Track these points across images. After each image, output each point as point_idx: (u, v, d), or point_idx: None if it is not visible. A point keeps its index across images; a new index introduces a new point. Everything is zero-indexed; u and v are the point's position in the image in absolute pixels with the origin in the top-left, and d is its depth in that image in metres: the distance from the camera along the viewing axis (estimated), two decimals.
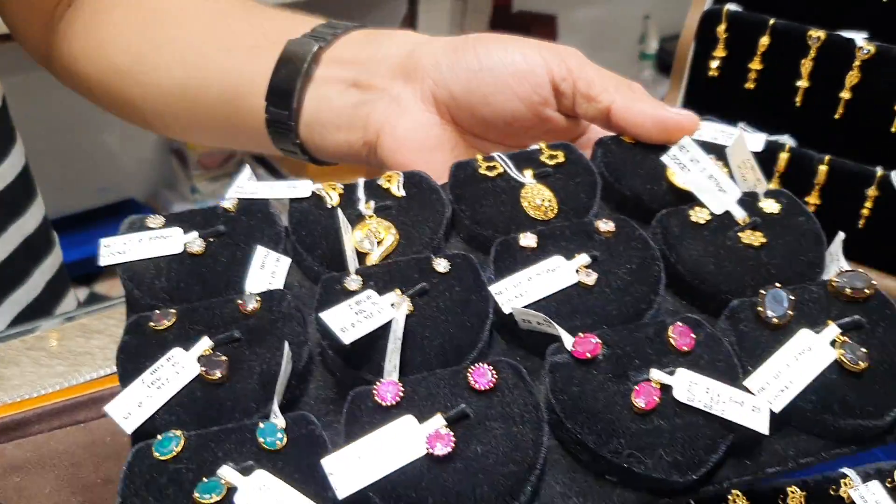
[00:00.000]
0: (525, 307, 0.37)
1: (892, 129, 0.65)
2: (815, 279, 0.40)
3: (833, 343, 0.35)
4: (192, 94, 0.60)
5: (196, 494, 0.30)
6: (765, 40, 0.69)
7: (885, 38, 0.65)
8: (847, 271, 0.38)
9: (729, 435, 0.33)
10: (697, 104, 0.72)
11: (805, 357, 0.35)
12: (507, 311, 0.37)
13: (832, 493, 0.42)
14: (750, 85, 0.71)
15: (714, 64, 0.72)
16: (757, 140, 0.51)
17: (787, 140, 0.68)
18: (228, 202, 0.43)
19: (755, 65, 0.70)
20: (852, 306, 0.37)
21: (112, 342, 0.58)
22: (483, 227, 0.43)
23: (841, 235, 0.41)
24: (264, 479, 0.31)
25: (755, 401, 0.33)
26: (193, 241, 0.41)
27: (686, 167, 0.44)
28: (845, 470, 0.42)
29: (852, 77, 0.65)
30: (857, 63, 0.65)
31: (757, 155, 0.44)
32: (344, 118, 0.54)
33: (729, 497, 0.40)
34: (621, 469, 0.32)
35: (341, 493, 0.30)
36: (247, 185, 0.45)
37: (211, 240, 0.41)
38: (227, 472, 0.31)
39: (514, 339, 0.39)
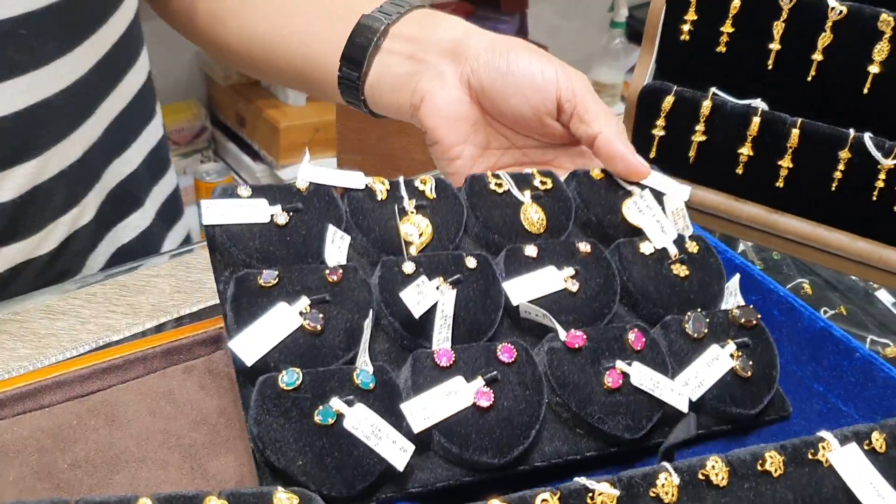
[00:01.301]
0: (529, 302, 0.51)
1: (865, 91, 0.65)
2: (718, 306, 0.56)
3: (731, 356, 0.52)
4: (272, 47, 0.73)
5: (317, 418, 0.42)
6: (736, 3, 0.69)
7: None
8: (742, 306, 0.55)
9: (660, 409, 0.49)
10: (669, 69, 0.74)
11: (713, 364, 0.51)
12: (514, 303, 0.51)
13: (811, 456, 0.44)
14: (721, 49, 0.70)
15: (685, 28, 0.71)
16: (684, 191, 0.63)
17: (760, 104, 0.69)
18: (302, 183, 0.53)
19: (727, 28, 0.70)
20: (743, 331, 0.54)
21: (78, 323, 0.58)
22: (491, 231, 0.56)
23: (737, 276, 0.57)
24: (363, 412, 0.43)
25: (680, 390, 0.49)
26: (279, 214, 0.51)
27: (642, 211, 0.59)
28: (823, 434, 0.44)
29: (824, 38, 0.66)
30: (828, 24, 0.66)
31: (686, 203, 0.60)
32: (398, 83, 0.67)
33: (708, 462, 0.43)
34: (591, 426, 0.47)
35: (416, 429, 0.44)
36: (311, 171, 0.55)
37: (291, 214, 0.52)
38: (336, 403, 0.43)
39: (515, 324, 0.52)
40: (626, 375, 0.49)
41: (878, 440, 0.45)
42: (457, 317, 0.50)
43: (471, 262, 0.52)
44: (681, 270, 0.57)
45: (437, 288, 0.50)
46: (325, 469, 0.42)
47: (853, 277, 0.82)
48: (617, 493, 0.40)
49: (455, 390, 0.45)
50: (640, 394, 0.49)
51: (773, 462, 0.43)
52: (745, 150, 0.69)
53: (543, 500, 0.39)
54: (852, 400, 0.57)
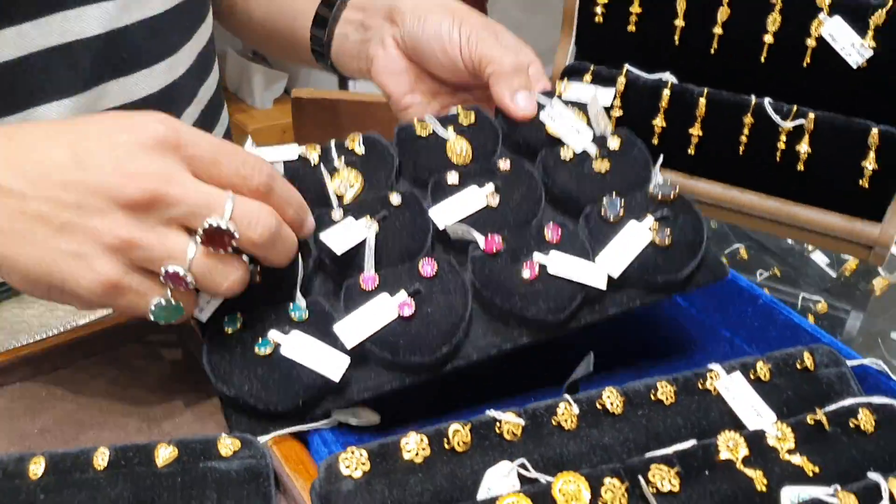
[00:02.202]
0: (454, 223, 0.56)
1: (762, 60, 0.71)
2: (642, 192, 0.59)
3: (650, 229, 0.55)
4: (270, 21, 0.87)
5: (257, 350, 0.49)
6: None
7: None
8: (661, 184, 0.58)
9: (582, 290, 0.53)
10: (588, 50, 0.79)
11: (632, 239, 0.55)
12: (441, 226, 0.56)
13: (700, 386, 0.48)
14: (632, 28, 0.75)
15: (598, 10, 0.76)
16: (607, 94, 0.68)
17: (669, 77, 0.73)
18: None
19: (635, 8, 0.74)
20: (664, 206, 0.57)
21: (47, 311, 0.64)
22: (420, 171, 0.62)
23: (660, 159, 0.60)
24: (298, 337, 0.50)
25: (597, 269, 0.53)
26: None
27: (554, 120, 0.63)
28: (712, 365, 0.49)
29: (723, 13, 0.71)
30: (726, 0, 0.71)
31: (606, 108, 0.63)
32: (355, 51, 0.78)
33: (604, 393, 0.47)
34: (516, 316, 0.52)
35: (349, 345, 0.50)
36: (254, 151, 0.62)
37: None
38: (273, 334, 0.50)
39: (448, 246, 0.57)
40: (543, 267, 0.53)
41: (762, 369, 0.50)
42: (388, 248, 0.55)
43: (395, 199, 0.57)
44: (602, 166, 0.60)
45: (366, 226, 0.55)
46: (269, 390, 0.48)
47: (790, 241, 0.89)
48: (522, 422, 0.45)
49: (380, 305, 0.51)
50: (559, 280, 0.53)
51: (665, 391, 0.47)
52: (659, 122, 0.73)
53: (456, 431, 0.44)
54: (755, 341, 0.62)
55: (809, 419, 0.45)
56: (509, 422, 0.45)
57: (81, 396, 0.54)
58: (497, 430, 0.45)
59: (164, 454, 0.44)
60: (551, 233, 0.55)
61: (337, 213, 0.56)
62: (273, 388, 0.48)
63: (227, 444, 0.45)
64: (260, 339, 0.50)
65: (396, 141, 0.64)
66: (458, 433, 0.44)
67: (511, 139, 0.65)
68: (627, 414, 0.47)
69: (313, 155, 0.61)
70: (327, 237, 0.54)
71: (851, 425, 0.46)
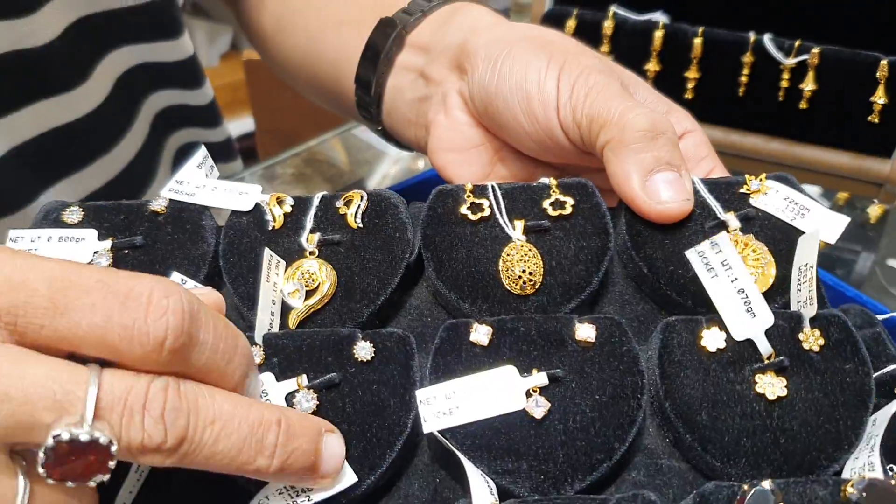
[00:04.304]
0: (452, 428, 0.33)
1: None
2: (838, 460, 0.34)
3: None
4: (310, 62, 0.57)
5: None
6: None
7: None
8: (876, 480, 0.30)
9: None
10: None
11: None
12: (426, 430, 0.33)
13: None
14: None
15: None
16: (837, 225, 0.41)
17: (661, 17, 0.68)
18: (159, 203, 0.40)
19: None
20: None
21: None
22: (448, 286, 0.39)
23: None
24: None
25: None
26: (102, 255, 0.38)
27: (714, 271, 0.36)
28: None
29: None
30: None
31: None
32: (412, 113, 0.51)
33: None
34: None
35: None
36: (189, 180, 0.40)
37: (125, 251, 0.39)
38: None
39: (440, 456, 0.35)
40: None
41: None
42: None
43: (363, 352, 0.35)
44: (771, 387, 0.34)
45: (290, 394, 0.34)
46: None
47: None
48: None
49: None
50: None
51: None
52: (652, 66, 0.68)
53: None
54: None
55: None
56: None
57: None
58: None
59: None
60: None
61: (255, 354, 0.35)
62: None
63: None
64: None
65: (426, 219, 0.41)
66: None
67: (634, 263, 0.41)
68: None
69: (276, 213, 0.40)
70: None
71: None
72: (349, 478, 0.32)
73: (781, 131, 0.67)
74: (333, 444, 0.31)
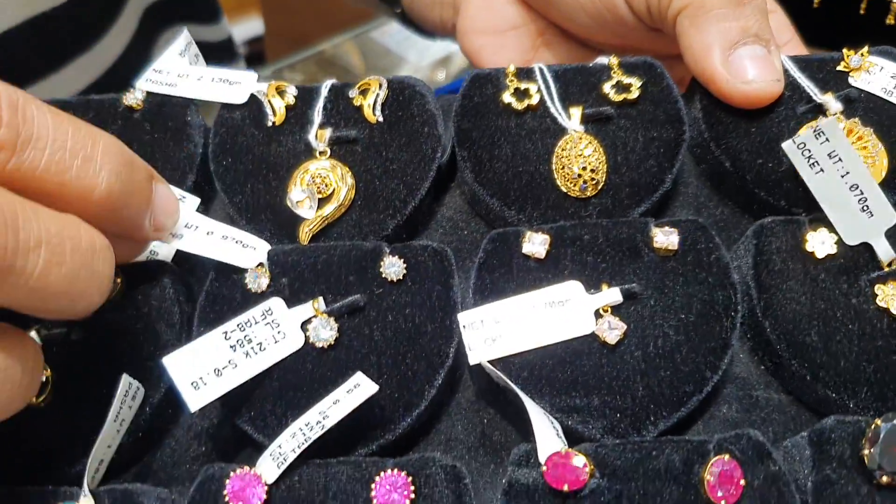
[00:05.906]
0: (503, 358, 0.28)
1: None
2: None
3: None
4: None
5: None
6: None
7: None
8: None
9: None
10: None
11: None
12: (472, 360, 0.29)
13: None
14: None
15: None
16: None
17: None
18: (134, 97, 0.33)
19: None
20: None
21: None
22: (489, 190, 0.33)
23: None
24: None
25: None
26: None
27: (818, 165, 0.30)
28: None
29: None
30: None
31: None
32: None
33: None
34: None
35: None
36: (169, 68, 0.34)
37: None
38: None
39: (487, 391, 0.30)
40: None
41: None
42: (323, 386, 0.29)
43: (392, 269, 0.30)
44: (894, 301, 0.29)
45: (304, 323, 0.28)
46: None
47: None
48: None
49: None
50: None
51: None
52: None
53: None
54: None
55: None
56: None
57: None
58: None
59: None
60: (718, 482, 0.26)
61: (263, 279, 0.29)
62: None
63: None
64: None
65: (460, 108, 0.34)
66: None
67: (712, 157, 0.34)
68: None
69: (276, 106, 0.33)
70: (175, 367, 0.27)
71: None
72: (367, 388, 0.26)
73: None
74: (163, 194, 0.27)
